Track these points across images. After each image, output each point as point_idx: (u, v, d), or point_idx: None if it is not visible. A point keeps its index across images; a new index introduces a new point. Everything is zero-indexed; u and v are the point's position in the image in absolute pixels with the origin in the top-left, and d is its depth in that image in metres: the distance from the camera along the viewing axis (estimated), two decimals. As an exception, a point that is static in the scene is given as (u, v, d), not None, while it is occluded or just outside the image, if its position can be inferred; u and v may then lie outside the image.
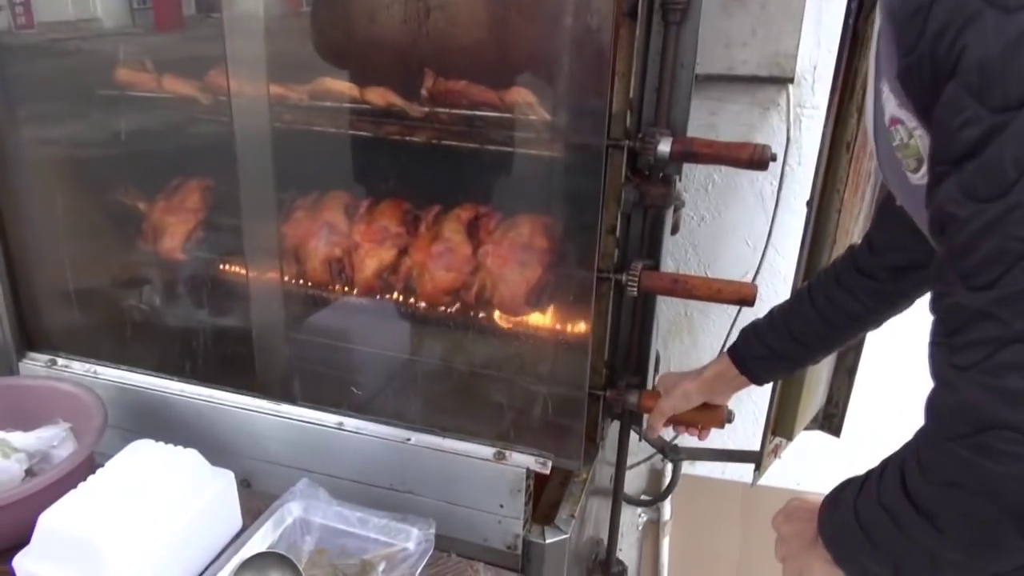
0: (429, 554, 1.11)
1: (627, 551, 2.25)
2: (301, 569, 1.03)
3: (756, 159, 1.27)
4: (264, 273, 1.31)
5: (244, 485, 1.37)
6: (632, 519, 2.18)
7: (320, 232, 1.34)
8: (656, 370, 1.76)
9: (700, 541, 2.18)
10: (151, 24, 1.46)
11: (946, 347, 0.67)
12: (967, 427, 0.64)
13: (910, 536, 0.71)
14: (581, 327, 1.21)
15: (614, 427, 1.56)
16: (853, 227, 1.39)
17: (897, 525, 0.71)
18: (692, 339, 1.98)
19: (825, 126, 1.26)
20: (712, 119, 1.74)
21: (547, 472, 1.21)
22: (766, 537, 2.28)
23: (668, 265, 1.91)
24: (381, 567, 1.08)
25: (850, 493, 0.79)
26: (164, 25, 1.48)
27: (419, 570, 1.08)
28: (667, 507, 2.13)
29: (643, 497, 2.08)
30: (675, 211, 1.62)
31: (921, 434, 0.72)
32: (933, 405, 0.69)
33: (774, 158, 1.28)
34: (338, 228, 1.35)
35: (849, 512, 0.78)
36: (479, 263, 1.29)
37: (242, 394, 1.34)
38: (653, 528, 2.18)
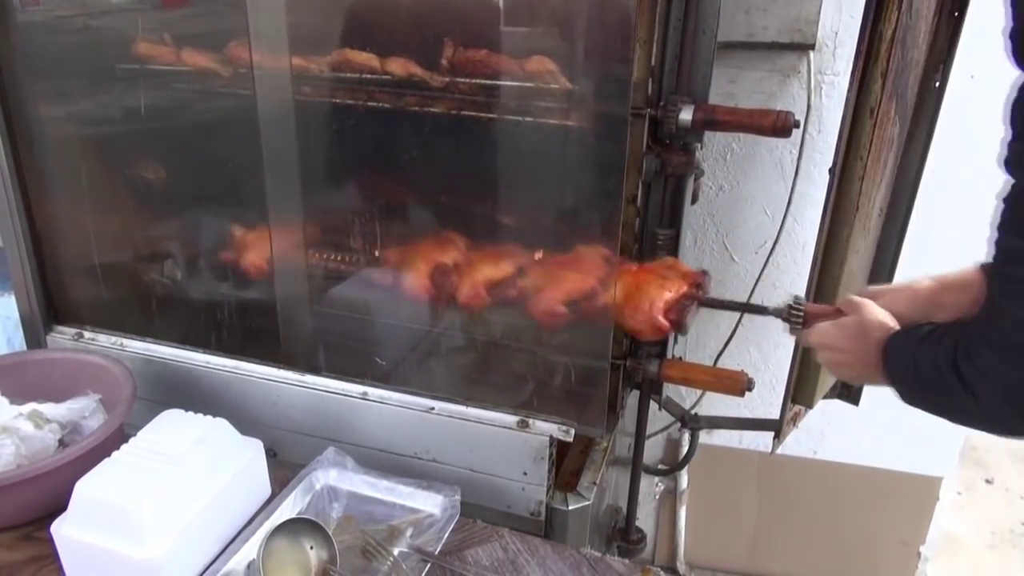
0: (455, 520, 1.13)
1: (644, 520, 2.27)
2: (333, 538, 1.05)
3: (780, 126, 1.27)
4: (287, 246, 1.32)
5: (270, 455, 1.38)
6: (649, 488, 2.20)
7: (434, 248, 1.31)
8: (675, 341, 1.77)
9: (716, 510, 2.20)
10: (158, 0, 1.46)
11: None
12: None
13: (952, 400, 0.81)
14: (606, 299, 1.21)
15: (633, 396, 1.57)
16: (875, 194, 1.38)
17: (944, 386, 0.81)
18: (710, 310, 1.97)
19: (849, 91, 1.25)
20: (731, 87, 1.73)
21: (570, 440, 1.22)
22: (782, 506, 2.31)
23: (687, 236, 1.92)
24: (408, 532, 1.10)
25: (912, 340, 0.89)
26: (172, 1, 1.49)
27: (446, 535, 1.10)
28: (684, 476, 2.15)
29: (660, 466, 2.10)
30: (695, 180, 1.62)
31: (979, 324, 0.81)
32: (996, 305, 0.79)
33: (797, 125, 1.28)
34: (456, 245, 1.32)
35: (909, 359, 0.88)
36: (611, 275, 1.21)
37: (267, 365, 1.36)
38: (670, 497, 2.20)
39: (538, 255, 1.31)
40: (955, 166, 1.70)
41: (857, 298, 1.03)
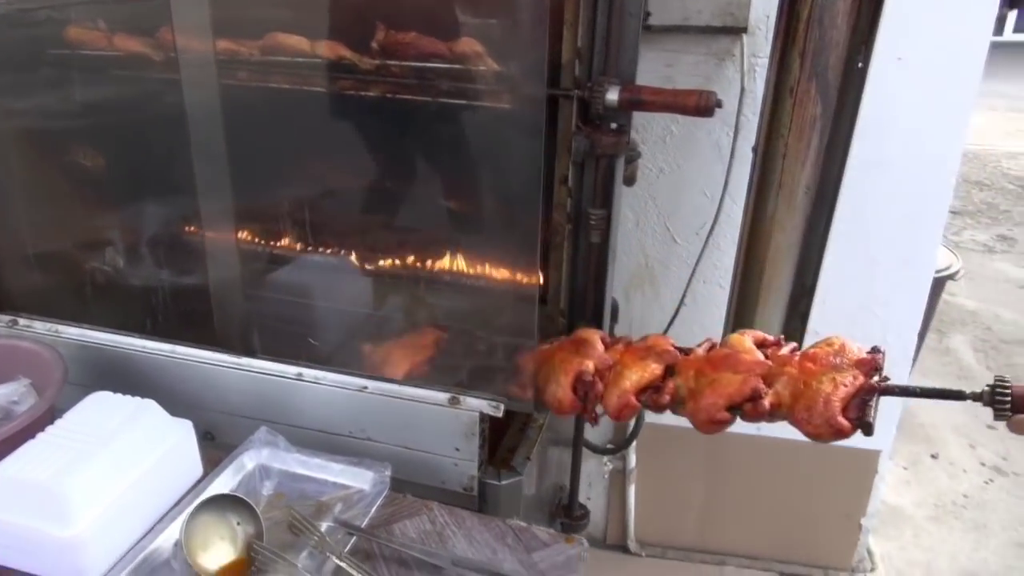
0: (384, 495, 1.15)
1: (596, 499, 2.31)
2: (259, 512, 1.06)
3: (703, 106, 1.29)
4: (219, 231, 1.33)
5: (208, 438, 1.40)
6: (599, 468, 2.24)
7: (571, 353, 1.21)
8: (616, 320, 1.80)
9: (665, 488, 2.24)
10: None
11: None
12: None
13: None
14: (530, 277, 1.23)
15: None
16: (800, 174, 1.41)
17: None
18: (654, 291, 2.01)
19: (768, 71, 1.28)
20: (668, 71, 1.76)
21: (499, 415, 1.24)
22: (728, 483, 2.36)
23: (627, 217, 1.95)
24: (337, 508, 1.12)
25: None
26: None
27: (374, 509, 1.12)
28: (632, 456, 2.19)
29: (608, 446, 2.13)
30: (630, 162, 1.64)
31: None
32: None
33: (720, 105, 1.30)
34: (593, 347, 1.22)
35: None
36: (777, 369, 1.09)
37: (202, 348, 1.36)
38: (619, 477, 2.24)
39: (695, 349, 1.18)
40: (886, 145, 1.75)
41: None
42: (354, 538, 1.07)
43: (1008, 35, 12.89)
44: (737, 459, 2.16)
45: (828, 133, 1.51)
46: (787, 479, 2.15)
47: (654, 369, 1.15)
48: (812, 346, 1.09)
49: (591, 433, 2.20)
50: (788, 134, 1.30)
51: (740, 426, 2.13)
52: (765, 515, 2.22)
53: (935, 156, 1.75)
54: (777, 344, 1.14)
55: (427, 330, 1.34)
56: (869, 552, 2.30)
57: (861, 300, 1.91)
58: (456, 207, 1.33)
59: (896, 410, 2.07)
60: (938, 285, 2.96)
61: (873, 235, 1.84)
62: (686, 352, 1.17)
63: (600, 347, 1.21)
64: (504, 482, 1.30)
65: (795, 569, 2.26)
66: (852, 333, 1.97)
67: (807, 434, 1.05)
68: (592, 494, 2.30)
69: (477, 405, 1.24)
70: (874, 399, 1.02)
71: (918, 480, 2.75)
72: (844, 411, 1.01)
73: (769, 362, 1.09)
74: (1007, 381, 0.98)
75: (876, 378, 1.03)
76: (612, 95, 1.29)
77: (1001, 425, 2.93)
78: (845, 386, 1.02)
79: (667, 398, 1.14)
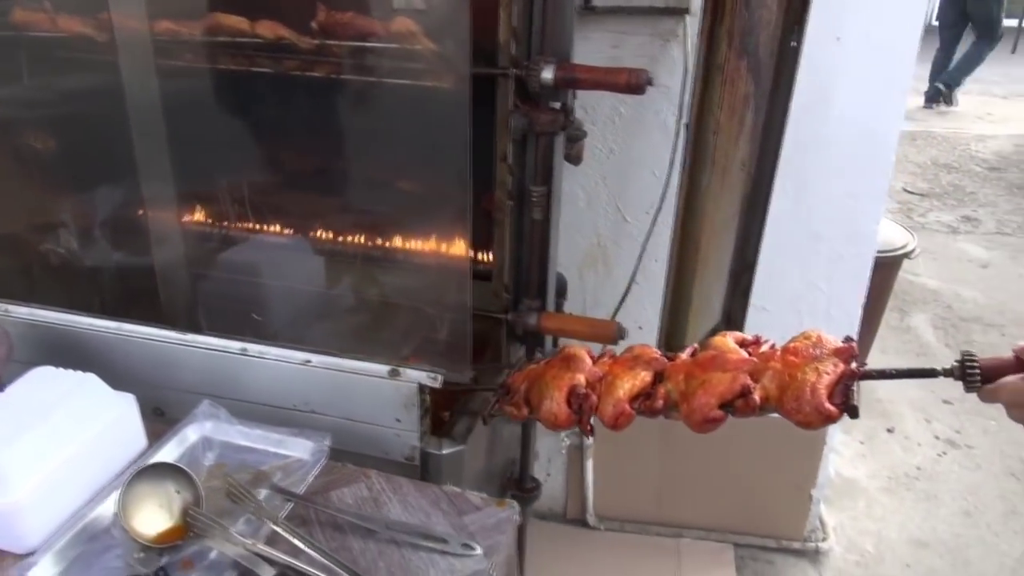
0: (322, 463, 1.18)
1: (555, 475, 2.36)
2: (199, 481, 1.09)
3: (633, 84, 1.32)
4: (162, 211, 1.35)
5: (158, 414, 1.42)
6: (557, 444, 2.28)
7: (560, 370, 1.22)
8: (564, 297, 1.84)
9: (622, 463, 2.29)
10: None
11: None
12: None
13: None
14: (463, 251, 1.27)
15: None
16: (734, 151, 1.45)
17: None
18: (606, 269, 2.05)
19: (697, 49, 1.32)
20: (615, 51, 1.79)
21: (438, 386, 1.28)
22: (684, 457, 2.40)
23: (579, 196, 1.99)
24: (277, 476, 1.15)
25: None
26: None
27: (311, 477, 1.15)
28: (589, 431, 2.23)
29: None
30: (576, 141, 1.68)
31: None
32: None
33: (651, 82, 1.33)
34: (582, 361, 1.23)
35: None
36: (762, 365, 1.11)
37: (149, 326, 1.39)
38: (577, 453, 2.29)
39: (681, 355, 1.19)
40: (827, 123, 1.79)
41: None
42: (291, 504, 1.10)
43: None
44: (690, 434, 2.20)
45: (765, 111, 1.55)
46: (740, 453, 2.20)
47: (644, 377, 1.18)
48: (791, 341, 1.14)
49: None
50: (719, 111, 1.34)
51: (693, 401, 2.17)
52: (719, 488, 2.27)
53: (874, 134, 1.79)
54: (757, 343, 1.18)
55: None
56: (821, 522, 2.37)
57: (806, 276, 1.96)
58: (393, 185, 1.36)
59: (843, 383, 2.12)
60: (894, 264, 3.03)
61: (816, 212, 1.89)
62: (672, 358, 1.20)
63: (589, 361, 1.24)
64: (445, 452, 1.33)
65: (749, 540, 2.32)
66: (798, 308, 2.04)
67: (797, 423, 1.08)
68: (551, 470, 2.34)
69: (416, 376, 1.28)
70: (855, 384, 1.06)
71: (873, 453, 2.81)
72: (829, 398, 1.05)
73: (754, 359, 1.13)
74: (974, 355, 1.03)
75: (855, 364, 1.07)
76: (547, 73, 1.32)
77: (956, 400, 3.02)
78: (827, 374, 1.06)
79: (660, 403, 1.16)
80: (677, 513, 2.33)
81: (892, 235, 3.02)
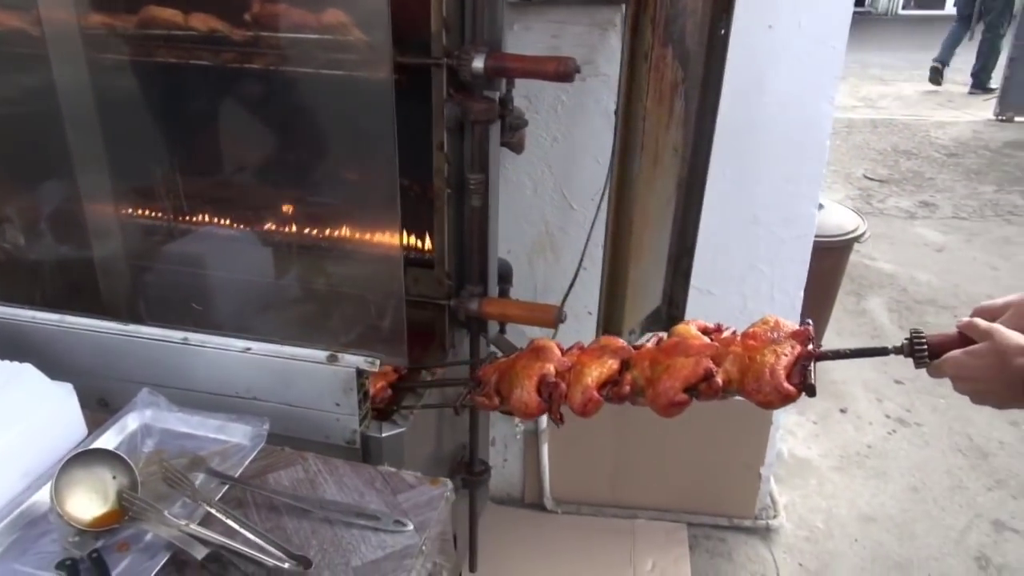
0: (260, 447, 1.21)
1: (512, 461, 2.39)
2: (134, 467, 1.11)
3: (561, 72, 1.36)
4: (99, 203, 1.36)
5: (102, 405, 1.43)
6: (512, 430, 2.32)
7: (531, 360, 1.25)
8: (509, 283, 1.87)
9: (577, 447, 2.33)
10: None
11: None
12: None
13: None
14: (395, 239, 1.29)
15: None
16: (664, 137, 1.49)
17: None
18: (555, 256, 2.08)
19: (623, 38, 1.35)
20: (555, 41, 1.82)
21: (375, 370, 1.30)
22: (636, 439, 2.45)
23: (525, 185, 2.02)
24: (214, 461, 1.17)
25: None
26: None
27: (248, 461, 1.18)
28: (543, 418, 2.26)
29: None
30: (517, 130, 1.71)
31: None
32: None
33: (579, 70, 1.37)
34: (551, 352, 1.27)
35: None
36: (724, 350, 1.15)
37: (91, 317, 1.40)
38: (532, 438, 2.32)
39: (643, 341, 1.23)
40: (763, 109, 1.84)
41: (984, 323, 1.01)
42: (226, 487, 1.13)
43: (949, 9, 13.17)
44: (642, 417, 2.24)
45: (697, 97, 1.60)
46: (691, 435, 2.25)
47: (611, 364, 1.21)
48: (750, 327, 1.18)
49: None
50: (647, 98, 1.37)
51: (643, 384, 2.21)
52: (672, 470, 2.32)
53: (808, 119, 1.84)
54: (718, 330, 1.22)
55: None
56: (773, 500, 2.43)
57: (748, 259, 2.01)
58: (327, 175, 1.38)
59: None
60: (845, 247, 3.10)
61: (756, 196, 1.94)
62: (638, 347, 1.24)
63: (558, 352, 1.27)
64: (385, 435, 1.36)
65: (702, 519, 2.37)
66: (742, 291, 2.09)
67: (759, 403, 1.13)
68: (508, 455, 2.38)
69: (354, 361, 1.30)
70: (812, 364, 1.11)
71: (826, 433, 2.88)
72: (788, 378, 1.09)
73: (715, 344, 1.17)
74: (922, 332, 1.08)
75: (811, 346, 1.12)
76: (478, 63, 1.36)
77: (907, 380, 3.09)
78: (785, 356, 1.10)
79: (627, 388, 1.20)
80: (632, 495, 2.37)
81: (843, 219, 3.09)
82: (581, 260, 2.01)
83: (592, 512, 2.39)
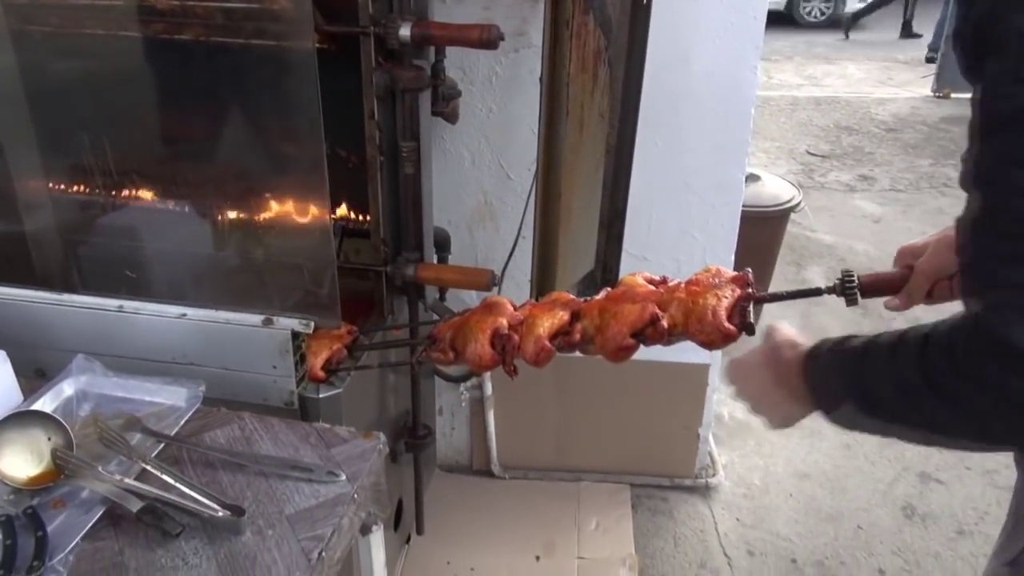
0: (195, 408, 1.24)
1: (460, 429, 2.44)
2: (68, 427, 1.13)
3: (485, 39, 1.40)
4: (27, 176, 1.37)
5: (40, 375, 1.44)
6: (458, 398, 2.37)
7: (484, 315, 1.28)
8: (447, 251, 1.91)
9: (522, 415, 2.39)
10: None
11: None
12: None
13: (917, 409, 0.79)
14: (323, 205, 1.32)
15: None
16: (589, 102, 1.54)
17: (907, 399, 0.79)
18: (494, 225, 2.13)
19: (545, 5, 1.39)
20: (487, 13, 1.85)
21: (310, 331, 1.34)
22: (579, 404, 2.50)
23: (463, 156, 2.05)
24: (150, 422, 1.20)
25: (848, 357, 0.87)
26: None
27: (184, 421, 1.21)
28: (488, 385, 2.32)
29: (455, 374, 2.25)
30: (450, 100, 1.74)
31: (960, 332, 0.75)
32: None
33: (502, 38, 1.41)
34: (504, 307, 1.30)
35: (851, 375, 0.86)
36: (669, 297, 1.20)
37: (23, 288, 1.41)
38: (479, 406, 2.37)
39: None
40: (691, 78, 1.90)
41: (771, 325, 1.02)
42: (162, 445, 1.16)
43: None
44: (584, 382, 2.32)
45: (623, 65, 1.65)
46: (630, 398, 2.33)
47: (562, 316, 1.25)
48: (694, 275, 1.23)
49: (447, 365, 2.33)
50: (570, 64, 1.42)
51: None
52: (614, 433, 2.39)
53: (735, 87, 1.91)
54: (664, 282, 1.27)
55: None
56: (712, 460, 2.52)
57: (681, 225, 2.08)
58: (255, 146, 1.40)
59: (722, 326, 2.25)
60: (782, 217, 3.19)
61: (687, 164, 2.00)
62: (588, 299, 1.29)
63: (510, 307, 1.31)
64: (323, 396, 1.40)
65: (644, 480, 2.46)
66: (675, 256, 2.16)
67: (702, 344, 1.18)
68: (455, 424, 2.43)
69: (288, 324, 1.34)
70: (750, 305, 1.17)
71: (765, 396, 2.98)
72: (729, 319, 1.15)
73: (661, 291, 1.22)
74: (852, 272, 1.14)
75: (750, 289, 1.18)
76: (404, 31, 1.39)
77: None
78: (726, 298, 1.16)
79: (577, 337, 1.24)
80: (576, 459, 2.44)
81: (779, 190, 3.19)
82: (520, 229, 2.07)
83: (538, 477, 2.46)
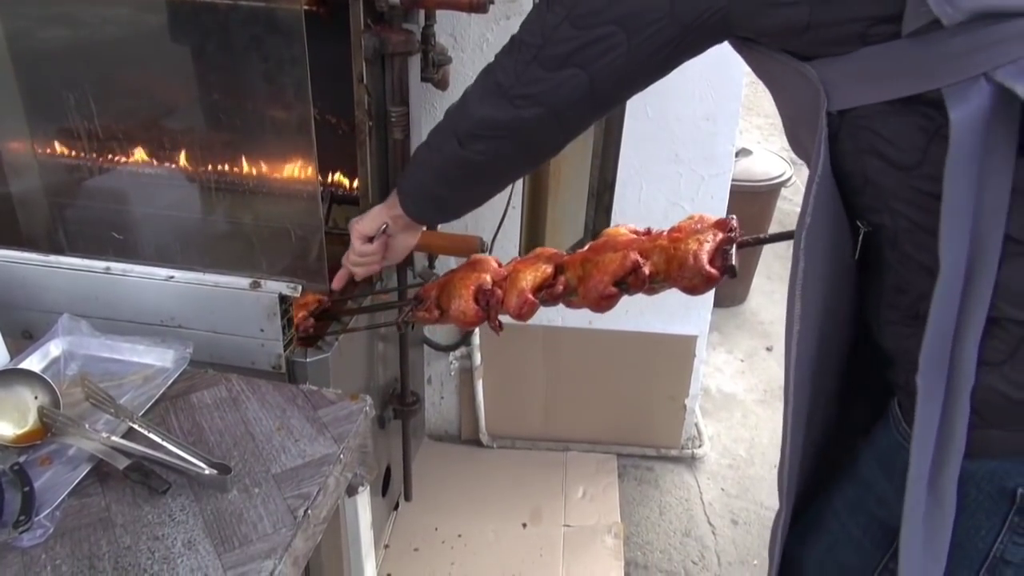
0: (183, 369, 1.24)
1: (448, 398, 2.46)
2: (55, 386, 1.14)
3: (475, 3, 1.39)
4: (13, 138, 1.36)
5: (27, 336, 1.45)
6: (447, 368, 2.38)
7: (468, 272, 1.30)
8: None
9: (510, 383, 2.40)
10: None
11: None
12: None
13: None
14: (311, 167, 1.32)
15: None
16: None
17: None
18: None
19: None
20: (478, -20, 1.84)
21: (297, 295, 1.34)
22: (567, 374, 2.52)
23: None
24: (138, 383, 1.20)
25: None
26: None
27: (171, 381, 1.21)
28: (477, 355, 2.33)
29: (449, 344, 2.27)
30: (440, 66, 1.74)
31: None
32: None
33: (492, 1, 1.41)
34: (488, 264, 1.32)
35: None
36: (651, 245, 1.20)
37: (10, 249, 1.40)
38: (467, 375, 2.39)
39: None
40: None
41: None
42: (149, 404, 1.16)
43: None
44: (572, 352, 2.34)
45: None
46: (618, 368, 2.35)
47: (545, 269, 1.26)
48: (677, 223, 1.23)
49: (436, 334, 2.34)
50: (560, 30, 1.41)
51: (573, 319, 2.29)
52: (601, 402, 2.42)
53: (724, 58, 1.89)
54: (648, 233, 1.27)
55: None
56: (699, 431, 2.55)
57: (670, 196, 2.08)
58: (244, 109, 1.39)
59: (709, 301, 2.27)
60: (772, 192, 3.20)
61: (677, 135, 2.00)
62: (571, 253, 1.29)
63: (494, 264, 1.31)
64: (310, 360, 1.41)
65: (631, 450, 2.48)
66: (665, 228, 2.16)
67: (685, 289, 1.18)
68: (444, 393, 2.45)
69: (276, 287, 1.34)
70: (732, 248, 1.17)
71: (752, 370, 3.01)
72: (711, 262, 1.15)
73: (643, 239, 1.21)
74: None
75: (732, 233, 1.18)
76: (394, -7, 1.38)
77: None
78: (708, 243, 1.16)
79: (560, 288, 1.24)
80: (564, 429, 2.47)
81: (770, 166, 3.19)
82: (509, 199, 2.07)
83: (526, 446, 2.48)
